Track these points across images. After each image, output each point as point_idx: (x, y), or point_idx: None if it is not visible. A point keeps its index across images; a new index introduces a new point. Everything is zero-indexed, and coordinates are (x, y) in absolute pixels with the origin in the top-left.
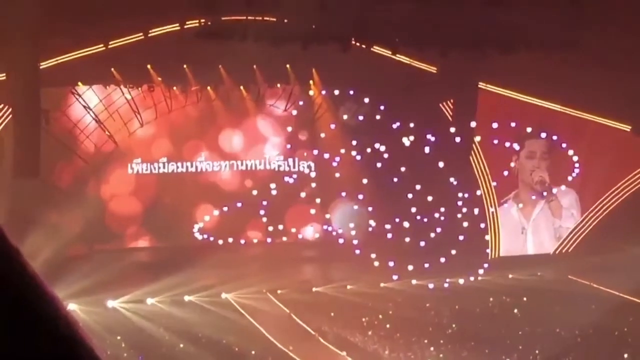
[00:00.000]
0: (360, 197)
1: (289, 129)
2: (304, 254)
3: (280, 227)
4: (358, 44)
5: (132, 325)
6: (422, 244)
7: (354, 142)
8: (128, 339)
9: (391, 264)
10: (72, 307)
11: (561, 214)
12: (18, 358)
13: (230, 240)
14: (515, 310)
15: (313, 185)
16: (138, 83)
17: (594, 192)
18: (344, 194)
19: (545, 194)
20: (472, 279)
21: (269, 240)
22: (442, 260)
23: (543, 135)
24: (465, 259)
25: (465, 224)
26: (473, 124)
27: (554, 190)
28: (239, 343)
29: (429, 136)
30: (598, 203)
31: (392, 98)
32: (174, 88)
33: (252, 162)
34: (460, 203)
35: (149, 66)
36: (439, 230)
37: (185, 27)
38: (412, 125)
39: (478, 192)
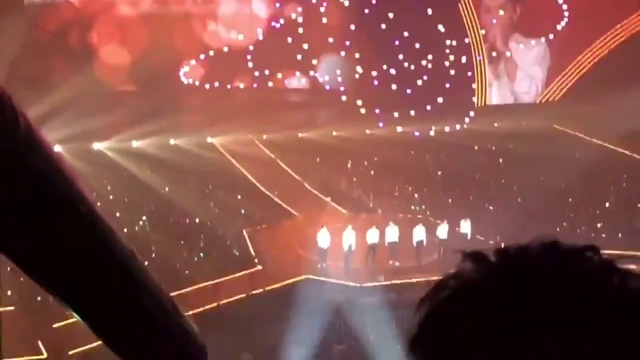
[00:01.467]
0: (348, 43)
1: None
2: (290, 100)
3: (267, 72)
4: None
5: (118, 168)
6: (409, 91)
7: None
8: (114, 182)
9: (377, 110)
10: (57, 149)
11: (515, 76)
12: (42, 232)
13: (217, 85)
14: (500, 159)
15: (300, 30)
16: None
17: (583, 40)
18: (331, 40)
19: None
20: (458, 126)
21: (255, 85)
22: (428, 107)
23: None
24: (452, 107)
25: (452, 72)
26: None
27: (520, 46)
28: (224, 187)
29: None
30: (587, 51)
31: None
32: None
33: (237, 5)
34: (447, 51)
35: None
36: (425, 77)
37: None
38: None
39: (466, 40)
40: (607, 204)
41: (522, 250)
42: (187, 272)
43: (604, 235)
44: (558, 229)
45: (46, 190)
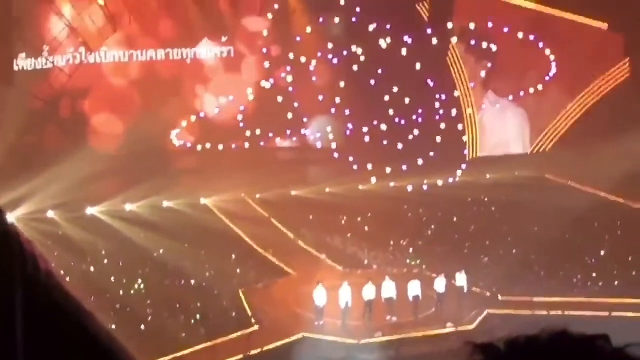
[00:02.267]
0: (338, 100)
1: (265, 33)
2: (282, 158)
3: (258, 132)
4: None
5: (111, 232)
6: (400, 146)
7: (330, 45)
8: (107, 246)
9: (369, 166)
10: (50, 214)
11: (503, 128)
12: None
13: (208, 146)
14: (493, 209)
15: (290, 89)
16: None
17: (571, 90)
18: (321, 97)
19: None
20: (450, 180)
21: (246, 145)
22: (420, 162)
23: (520, 35)
24: (444, 161)
25: (443, 126)
26: (450, 25)
27: (498, 102)
28: (219, 248)
29: (405, 38)
30: (576, 101)
31: None
32: None
33: (227, 68)
34: (437, 105)
35: None
36: (416, 132)
37: None
38: (388, 27)
39: (455, 94)
40: (602, 252)
41: (531, 340)
42: (183, 335)
43: (600, 284)
44: (554, 280)
45: (75, 327)
